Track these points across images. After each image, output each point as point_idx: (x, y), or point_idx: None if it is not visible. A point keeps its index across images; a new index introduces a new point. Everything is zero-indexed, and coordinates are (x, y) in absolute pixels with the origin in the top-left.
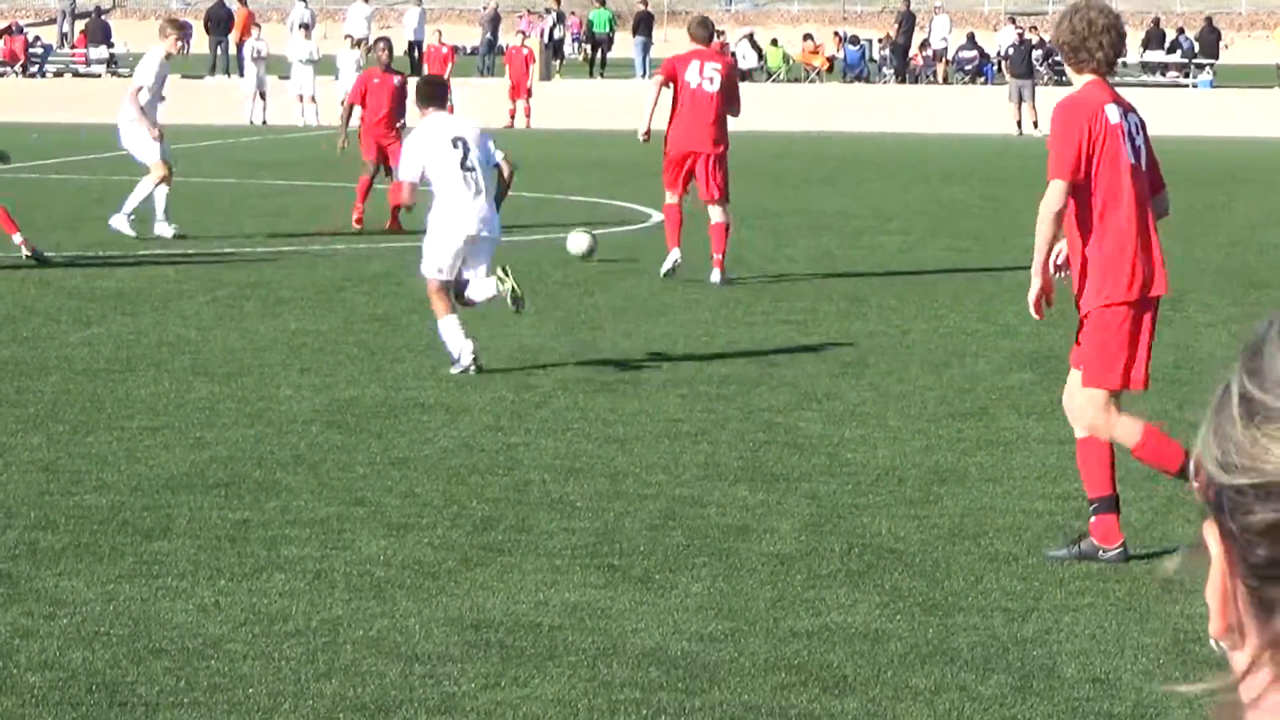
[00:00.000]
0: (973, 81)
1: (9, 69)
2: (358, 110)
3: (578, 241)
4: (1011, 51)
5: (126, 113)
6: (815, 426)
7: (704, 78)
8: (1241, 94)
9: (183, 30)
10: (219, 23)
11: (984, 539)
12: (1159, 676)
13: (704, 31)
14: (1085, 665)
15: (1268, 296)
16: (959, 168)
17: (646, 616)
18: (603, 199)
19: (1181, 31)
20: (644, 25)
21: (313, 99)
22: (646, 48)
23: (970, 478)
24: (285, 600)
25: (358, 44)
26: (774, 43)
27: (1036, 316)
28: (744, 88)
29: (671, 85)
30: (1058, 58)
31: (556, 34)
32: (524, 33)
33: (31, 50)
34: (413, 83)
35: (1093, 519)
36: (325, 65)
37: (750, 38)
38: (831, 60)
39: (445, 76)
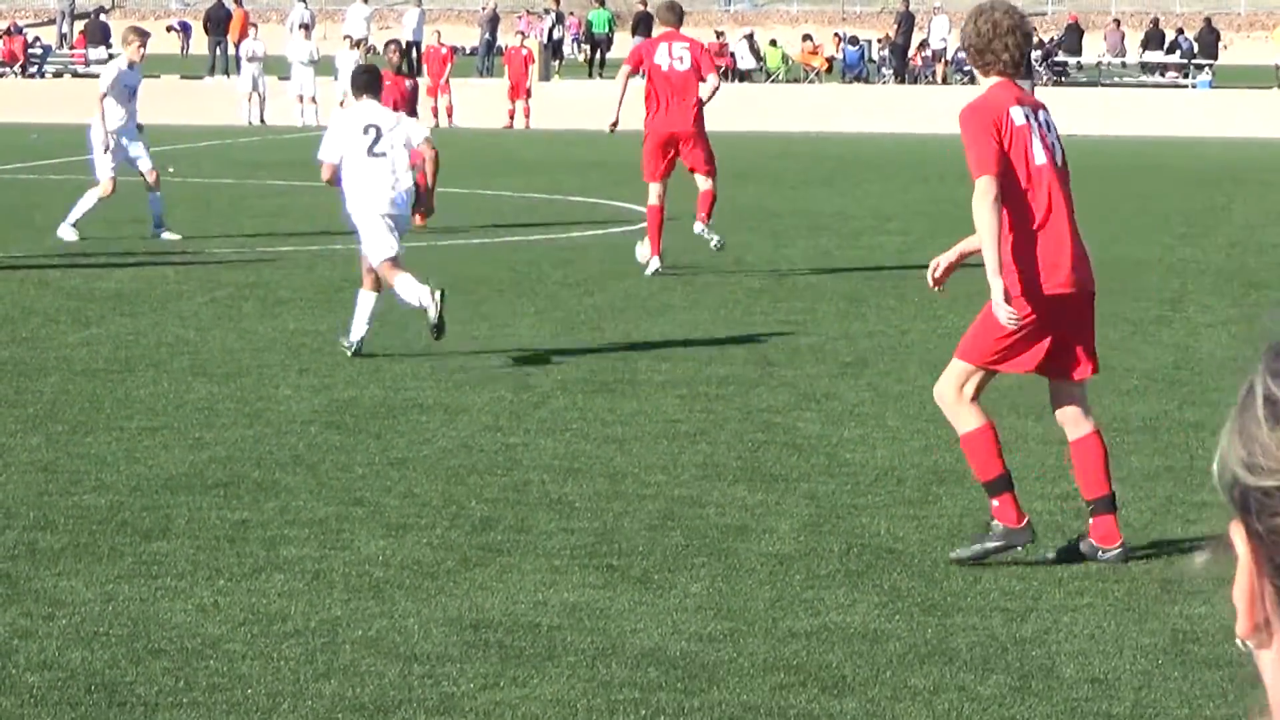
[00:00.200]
0: (972, 82)
1: (8, 69)
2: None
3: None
4: None
5: (95, 122)
6: (814, 427)
7: (674, 58)
8: (1240, 95)
9: (144, 37)
10: (218, 23)
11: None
12: (1158, 676)
13: (672, 15)
14: (1084, 665)
15: (1267, 297)
16: (958, 168)
17: (645, 617)
18: (602, 199)
19: (1181, 32)
20: (643, 25)
21: (313, 99)
22: None
23: (969, 478)
24: (284, 600)
25: (357, 44)
26: (773, 43)
27: (1008, 323)
28: (743, 88)
29: (644, 75)
30: (1057, 58)
31: (556, 34)
32: (523, 33)
33: (31, 51)
34: (407, 84)
35: (1092, 519)
36: (324, 66)
37: (750, 38)
38: (830, 61)
39: (444, 77)
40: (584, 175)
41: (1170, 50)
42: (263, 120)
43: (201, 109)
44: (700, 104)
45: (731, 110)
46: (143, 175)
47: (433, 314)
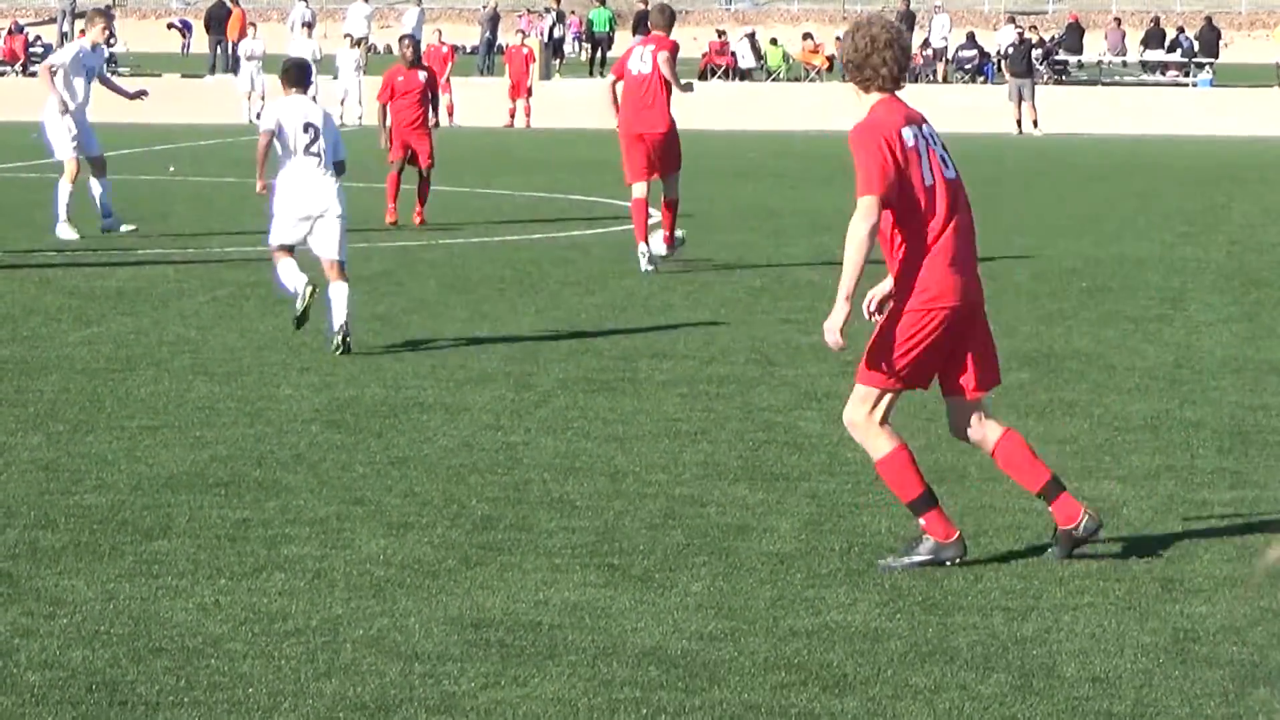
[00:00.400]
0: (972, 80)
1: (9, 68)
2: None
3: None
4: (1011, 50)
5: (49, 103)
6: (815, 425)
7: (641, 61)
8: (1241, 93)
9: (109, 19)
10: (219, 22)
11: (983, 538)
12: (1159, 675)
13: (661, 18)
14: (1085, 664)
15: (1268, 296)
16: (959, 166)
17: (646, 615)
18: (603, 198)
19: (1181, 31)
20: (644, 24)
21: (313, 99)
22: None
23: (970, 477)
24: (285, 599)
25: (357, 43)
26: (774, 42)
27: (834, 346)
28: (744, 87)
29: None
30: (1058, 57)
31: (556, 33)
32: (524, 32)
33: (32, 49)
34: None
35: (1050, 508)
36: (324, 65)
37: (751, 37)
38: (831, 59)
39: (445, 76)
40: (584, 174)
41: (1171, 49)
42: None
43: (202, 108)
44: (659, 104)
45: (732, 109)
46: (91, 160)
47: (299, 305)
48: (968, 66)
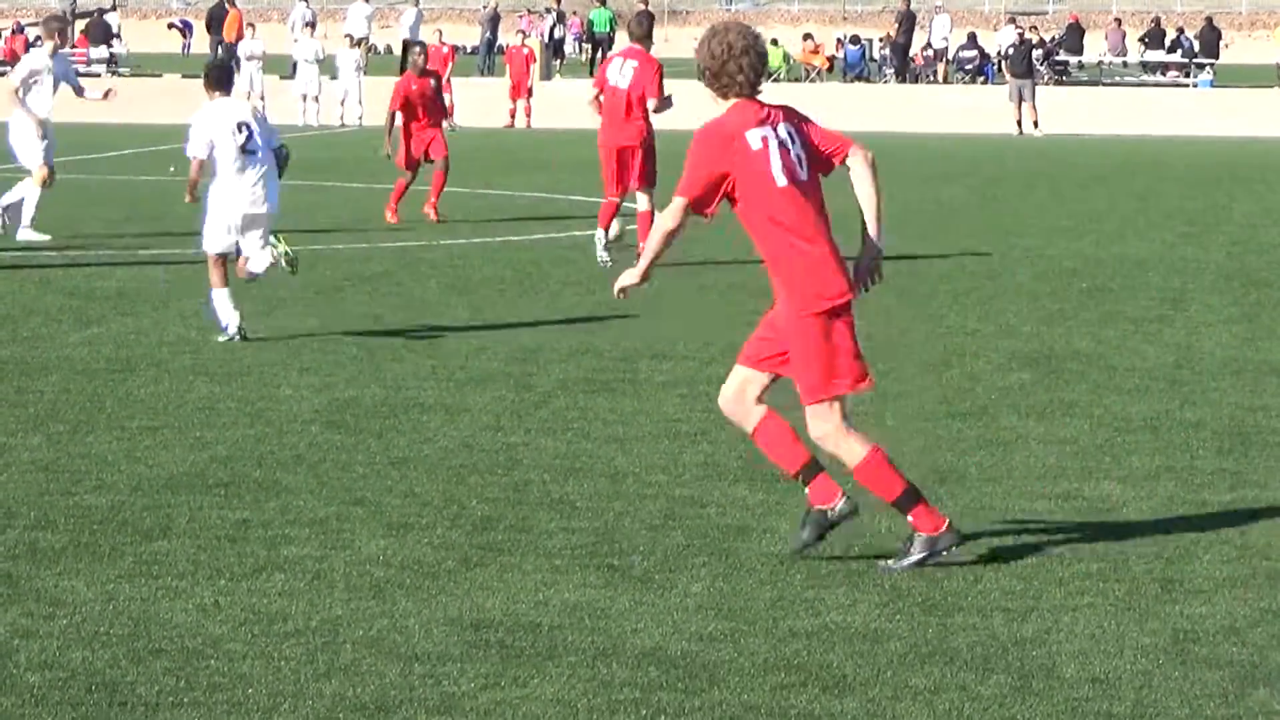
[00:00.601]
0: (973, 81)
1: (9, 68)
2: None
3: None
4: (1011, 51)
5: (15, 115)
6: None
7: (620, 75)
8: (1242, 94)
9: (63, 25)
10: (220, 22)
11: (983, 539)
12: (1158, 676)
13: (640, 29)
14: (1085, 665)
15: (1268, 296)
16: (959, 167)
17: (646, 616)
18: (600, 198)
19: (1181, 31)
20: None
21: (315, 99)
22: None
23: (969, 478)
24: (285, 600)
25: (357, 44)
26: (774, 42)
27: (615, 294)
28: None
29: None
30: (1059, 57)
31: (557, 33)
32: (524, 32)
33: (32, 49)
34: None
35: (806, 489)
36: (325, 65)
37: None
38: (832, 60)
39: (445, 77)
40: (585, 174)
41: (1171, 49)
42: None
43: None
44: (646, 119)
45: None
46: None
47: (282, 261)
48: (968, 67)
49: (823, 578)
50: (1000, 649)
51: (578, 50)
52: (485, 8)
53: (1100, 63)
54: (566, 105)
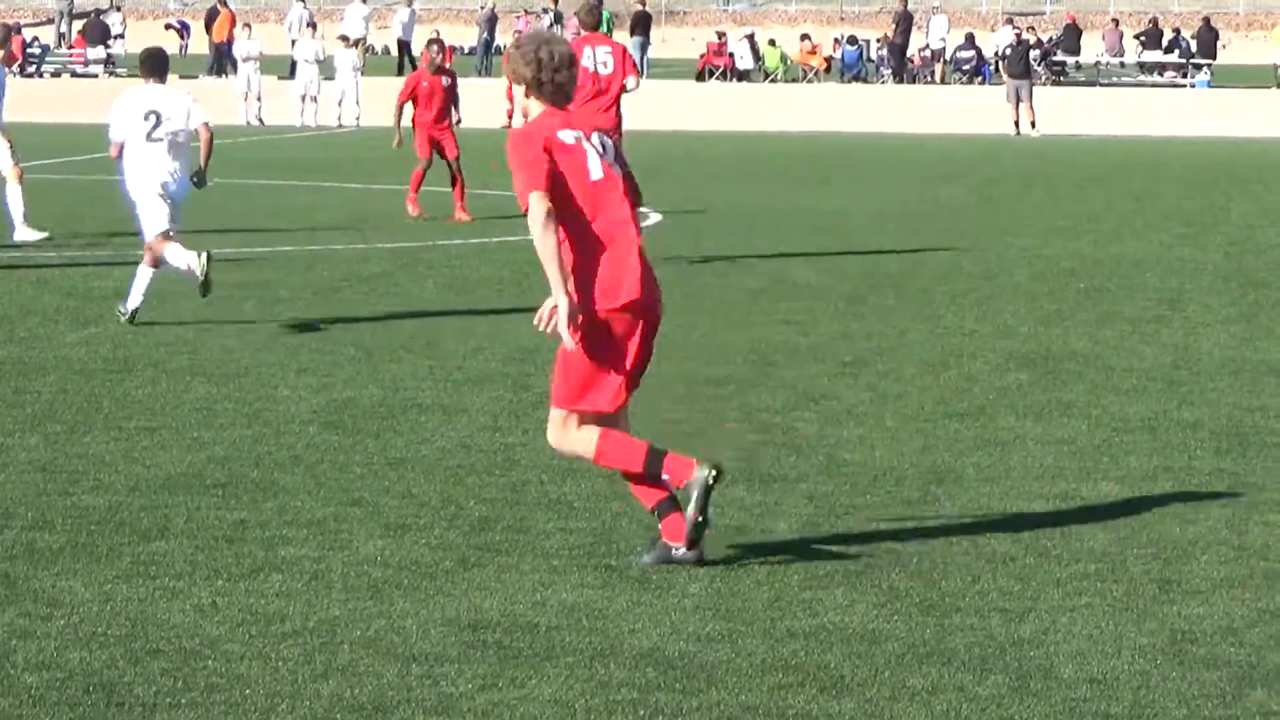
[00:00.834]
0: (970, 82)
1: (7, 69)
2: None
3: None
4: (1009, 52)
5: None
6: (812, 427)
7: (599, 62)
8: (1239, 94)
9: (9, 34)
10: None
11: (981, 539)
12: (1156, 677)
13: (591, 18)
14: (1082, 665)
15: (1266, 296)
16: (956, 168)
17: (644, 617)
18: None
19: (1178, 32)
20: (641, 25)
21: (314, 99)
22: (644, 48)
23: (968, 478)
24: (282, 601)
25: (354, 44)
26: (771, 43)
27: (569, 342)
28: (742, 88)
29: None
30: (1056, 58)
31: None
32: (521, 32)
33: (29, 50)
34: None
35: (664, 475)
36: (325, 65)
37: (750, 38)
38: (829, 60)
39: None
40: None
41: (1169, 50)
42: (261, 120)
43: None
44: (618, 104)
45: (730, 110)
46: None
47: (199, 274)
48: (965, 67)
49: (820, 578)
50: (998, 649)
51: None
52: (483, 8)
53: (1097, 63)
54: None
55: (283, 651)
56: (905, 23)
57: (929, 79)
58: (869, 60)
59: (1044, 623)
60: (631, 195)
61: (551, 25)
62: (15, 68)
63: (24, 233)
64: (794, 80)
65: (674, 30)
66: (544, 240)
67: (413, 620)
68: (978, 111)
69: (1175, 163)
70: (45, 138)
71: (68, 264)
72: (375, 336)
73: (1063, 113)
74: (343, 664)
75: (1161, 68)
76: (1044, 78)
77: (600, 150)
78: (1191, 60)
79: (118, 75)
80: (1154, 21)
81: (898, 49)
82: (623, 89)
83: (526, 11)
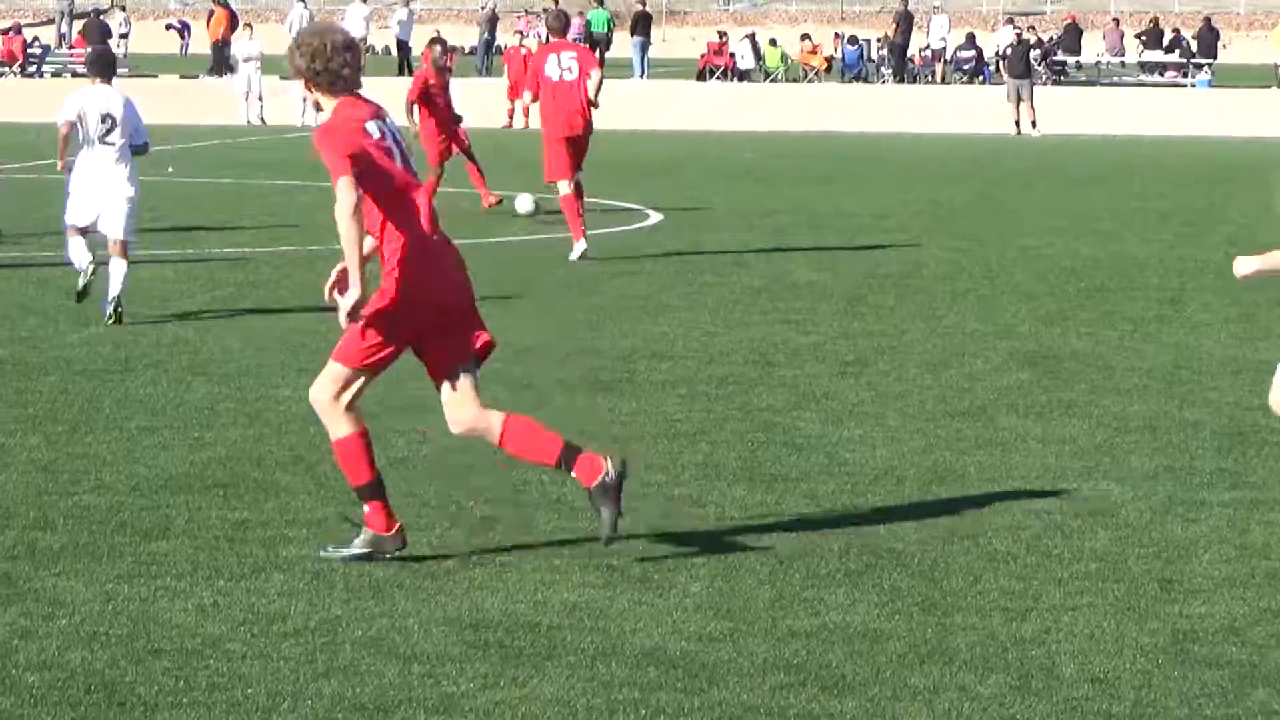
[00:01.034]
0: (971, 81)
1: (7, 69)
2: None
3: (523, 202)
4: (1009, 51)
5: None
6: (814, 426)
7: (563, 69)
8: (1240, 94)
9: None
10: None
11: (982, 538)
12: (1158, 676)
13: (558, 23)
14: (1084, 665)
15: (1266, 296)
16: (957, 167)
17: (645, 616)
18: (600, 198)
19: (1177, 32)
20: (642, 25)
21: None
22: (645, 48)
23: (969, 477)
24: (284, 600)
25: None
26: (772, 42)
27: (344, 325)
28: (743, 88)
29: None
30: (1057, 58)
31: None
32: (522, 33)
33: (30, 50)
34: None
35: (573, 472)
36: None
37: (752, 38)
38: (830, 60)
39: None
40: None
41: (1169, 49)
42: (263, 120)
43: (200, 109)
44: (589, 107)
45: (731, 109)
46: None
47: (81, 282)
48: (966, 67)
49: (822, 578)
50: (999, 649)
51: None
52: (483, 8)
53: (1098, 63)
54: None
55: (284, 651)
56: (906, 22)
57: (930, 79)
58: (870, 60)
59: (1045, 622)
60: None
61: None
62: (16, 67)
63: None
64: (795, 80)
65: (674, 30)
66: (349, 228)
67: (414, 620)
68: (978, 111)
69: (1176, 162)
70: (46, 137)
71: (69, 263)
72: None
73: (1063, 112)
74: (344, 663)
75: (1162, 67)
76: (1045, 77)
77: (398, 138)
78: (1192, 60)
79: (118, 75)
80: (1154, 21)
81: (898, 49)
82: (593, 105)
83: (527, 11)
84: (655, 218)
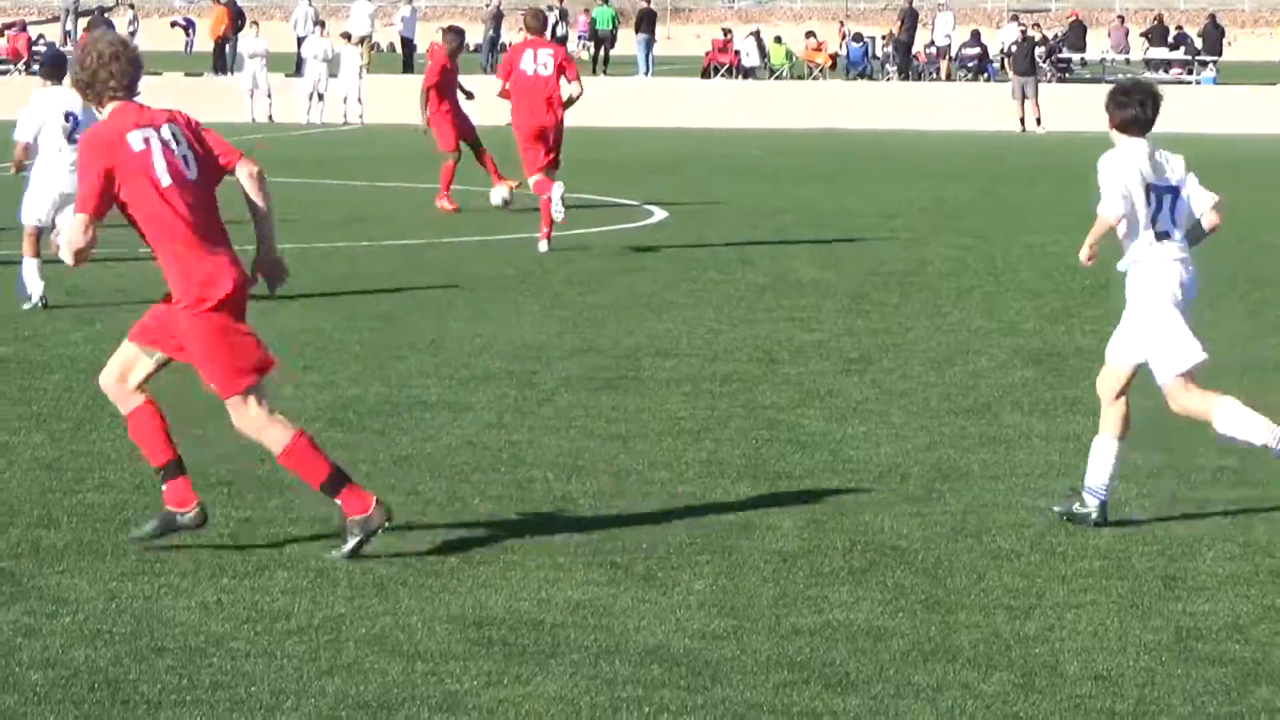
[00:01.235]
0: (975, 78)
1: (12, 66)
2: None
3: (497, 194)
4: (1014, 48)
5: None
6: (818, 424)
7: (538, 64)
8: (1245, 91)
9: None
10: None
11: (986, 536)
12: (1161, 674)
13: (536, 22)
14: (1087, 662)
15: (1271, 294)
16: (962, 165)
17: (648, 614)
18: (603, 196)
19: (1180, 29)
20: (646, 22)
21: (321, 96)
22: (649, 45)
23: (973, 475)
24: (288, 598)
25: (359, 42)
26: (777, 40)
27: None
28: (747, 85)
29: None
30: (1061, 55)
31: (560, 31)
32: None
33: (35, 48)
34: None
35: (164, 487)
36: (333, 64)
37: (756, 35)
38: (834, 57)
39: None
40: (587, 172)
41: (1174, 46)
42: (271, 118)
43: (205, 106)
44: (562, 104)
45: (735, 107)
46: None
47: (26, 306)
48: (971, 64)
49: (825, 575)
50: (1003, 646)
51: (580, 48)
52: (488, 5)
53: (1103, 60)
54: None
55: (288, 649)
56: (911, 20)
57: (934, 76)
58: (874, 57)
59: (1049, 619)
60: (214, 171)
61: (557, 23)
62: (21, 64)
63: None
64: (799, 77)
65: (679, 27)
66: (70, 255)
67: (418, 617)
68: (983, 108)
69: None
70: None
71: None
72: (380, 334)
73: (1068, 109)
74: (348, 661)
75: (1167, 64)
76: (1049, 75)
77: (171, 146)
78: (1197, 57)
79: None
80: (1159, 18)
81: (903, 46)
82: (569, 100)
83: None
84: (659, 215)
